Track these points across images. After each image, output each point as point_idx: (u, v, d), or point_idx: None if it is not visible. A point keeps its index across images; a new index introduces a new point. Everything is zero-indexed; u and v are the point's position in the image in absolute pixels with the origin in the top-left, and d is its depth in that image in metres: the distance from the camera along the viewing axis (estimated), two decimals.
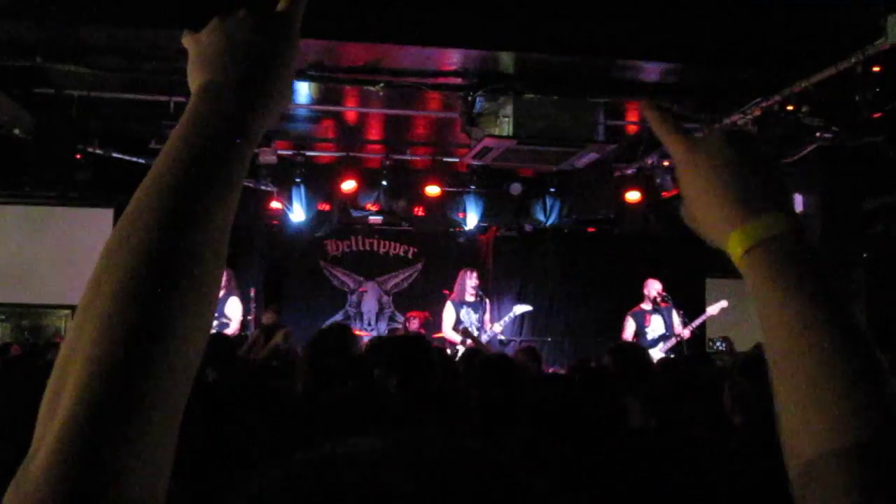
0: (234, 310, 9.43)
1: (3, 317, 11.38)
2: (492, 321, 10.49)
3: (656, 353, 9.62)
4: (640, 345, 9.49)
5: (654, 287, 10.08)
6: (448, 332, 10.05)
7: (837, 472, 0.77)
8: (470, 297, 10.13)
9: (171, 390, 0.71)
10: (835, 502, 0.76)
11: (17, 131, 8.85)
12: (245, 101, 0.87)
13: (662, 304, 10.01)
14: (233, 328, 9.26)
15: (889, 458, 0.76)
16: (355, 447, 0.63)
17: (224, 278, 9.36)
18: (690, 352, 9.46)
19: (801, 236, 0.89)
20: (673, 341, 9.74)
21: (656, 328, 9.99)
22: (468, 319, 10.05)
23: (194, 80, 0.91)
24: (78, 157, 8.71)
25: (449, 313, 10.11)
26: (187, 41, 0.94)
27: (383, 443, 0.63)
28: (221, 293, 8.98)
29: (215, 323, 8.78)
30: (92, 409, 0.68)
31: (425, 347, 3.97)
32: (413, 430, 0.69)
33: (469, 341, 9.56)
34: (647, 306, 10.06)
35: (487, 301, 10.49)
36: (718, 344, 10.53)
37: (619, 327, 10.21)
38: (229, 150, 0.83)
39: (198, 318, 0.75)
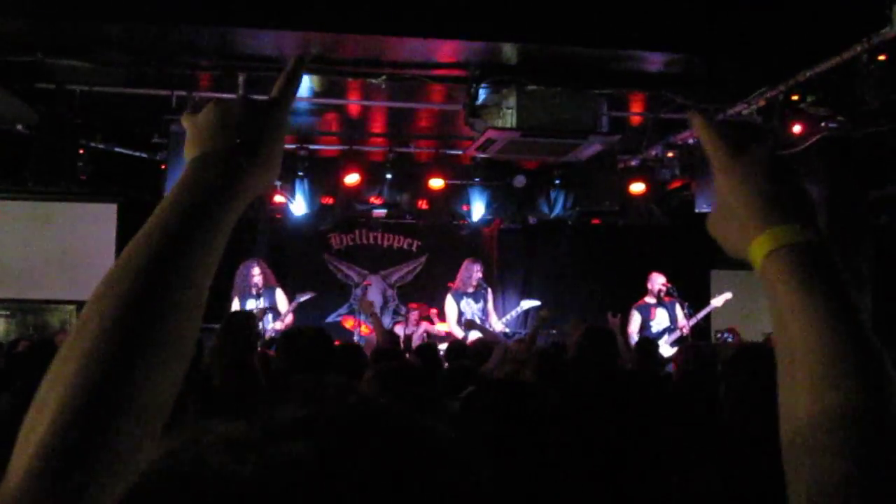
0: (283, 301, 9.88)
1: (7, 313, 11.40)
2: (496, 311, 10.47)
3: (662, 346, 9.65)
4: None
5: (657, 280, 10.10)
6: (453, 326, 10.04)
7: (823, 429, 0.83)
8: (471, 288, 10.11)
9: (138, 428, 0.77)
10: (820, 460, 0.82)
11: (19, 127, 8.85)
12: (231, 170, 0.96)
13: (666, 298, 10.02)
14: (287, 320, 9.71)
15: (872, 419, 0.82)
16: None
17: (262, 276, 9.59)
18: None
19: (822, 248, 0.93)
20: (677, 334, 9.75)
21: (661, 321, 10.01)
22: (469, 310, 10.04)
23: (188, 153, 1.00)
24: (80, 151, 8.71)
25: (451, 307, 10.10)
26: (185, 120, 1.03)
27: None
28: (260, 287, 9.42)
29: (267, 314, 9.56)
30: (63, 440, 0.73)
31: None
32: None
33: (474, 333, 9.53)
34: (651, 300, 10.08)
35: (489, 291, 10.47)
36: (725, 336, 10.50)
37: (625, 320, 10.21)
38: (212, 215, 0.91)
39: (171, 363, 0.82)
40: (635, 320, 10.11)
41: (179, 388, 0.83)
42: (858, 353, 0.86)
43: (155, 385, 0.78)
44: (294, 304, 9.87)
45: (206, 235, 0.89)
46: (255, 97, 1.03)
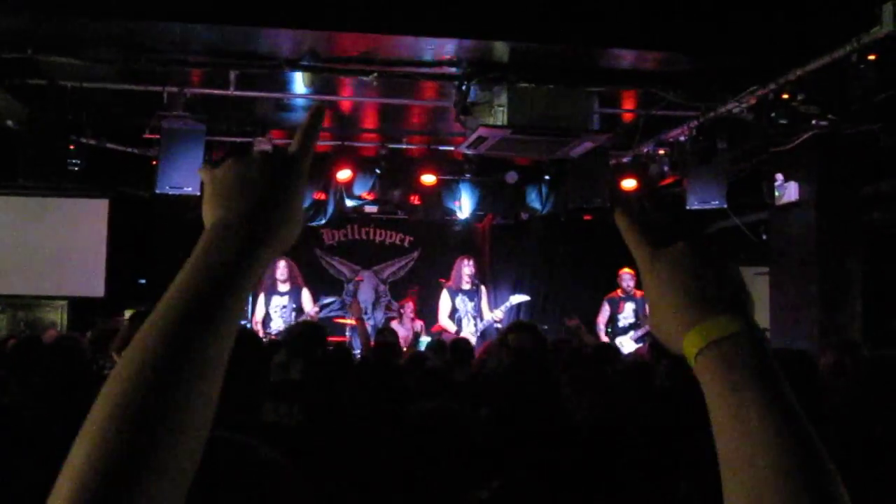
0: (308, 301, 10.24)
1: None
2: (490, 308, 10.51)
3: (627, 341, 9.88)
4: (612, 331, 10.21)
5: (625, 277, 10.32)
6: (444, 320, 10.08)
7: None
8: (466, 285, 10.16)
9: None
10: None
11: (10, 122, 8.83)
12: (250, 236, 0.94)
13: (636, 293, 10.21)
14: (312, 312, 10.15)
15: None
16: None
17: (287, 270, 9.83)
18: None
19: (753, 338, 0.89)
20: (644, 330, 9.89)
21: (627, 316, 10.31)
22: (464, 307, 10.08)
23: (207, 214, 0.99)
24: (71, 147, 8.68)
25: (445, 302, 10.15)
26: (203, 173, 1.03)
27: None
28: (288, 286, 10.07)
29: (292, 313, 9.98)
30: None
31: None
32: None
33: (464, 330, 9.65)
34: (621, 293, 10.31)
35: (483, 288, 10.51)
36: None
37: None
38: (233, 285, 0.90)
39: (188, 433, 0.80)
40: (604, 312, 10.52)
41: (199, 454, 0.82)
42: (802, 465, 0.81)
43: (167, 455, 0.78)
44: (318, 305, 10.16)
45: (226, 307, 0.88)
46: (274, 152, 1.03)
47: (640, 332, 9.99)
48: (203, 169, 1.03)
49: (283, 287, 9.94)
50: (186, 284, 0.89)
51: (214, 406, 0.84)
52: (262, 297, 9.97)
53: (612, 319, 10.40)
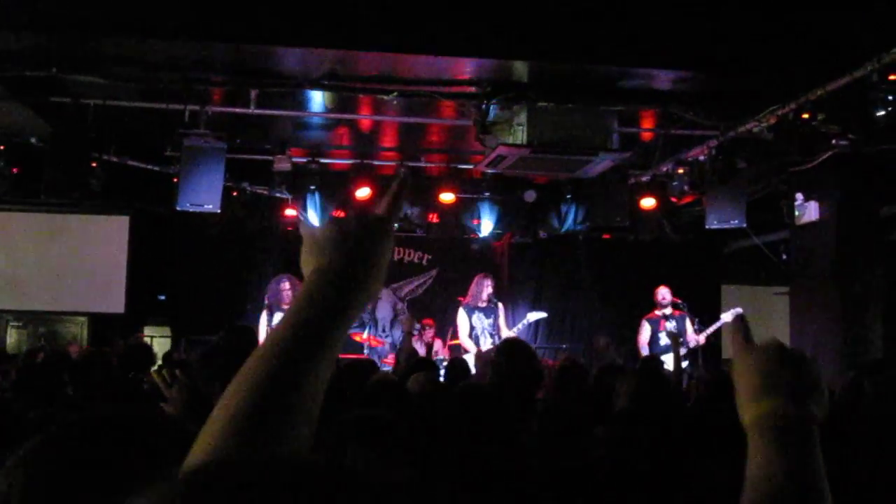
0: None
1: (20, 323, 11.46)
2: (508, 326, 10.48)
3: (669, 360, 9.68)
4: (653, 351, 9.64)
5: (663, 294, 10.14)
6: (465, 340, 10.03)
7: None
8: (482, 304, 10.09)
9: None
10: None
11: (33, 140, 8.92)
12: (347, 282, 1.09)
13: (676, 312, 10.04)
14: None
15: None
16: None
17: (292, 291, 9.90)
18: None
19: (793, 422, 1.16)
20: (685, 349, 9.76)
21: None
22: (480, 325, 10.04)
23: (308, 263, 1.13)
24: (94, 164, 8.75)
25: (462, 320, 10.10)
26: (304, 231, 1.17)
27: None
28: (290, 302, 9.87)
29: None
30: None
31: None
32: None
33: (482, 347, 9.61)
34: (660, 312, 10.13)
35: (500, 305, 10.46)
36: None
37: (635, 332, 10.31)
38: (332, 319, 1.04)
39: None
40: (645, 331, 10.21)
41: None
42: None
43: None
44: None
45: (322, 346, 1.02)
46: (366, 215, 1.17)
47: (682, 351, 9.82)
48: (303, 226, 1.18)
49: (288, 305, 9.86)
50: (293, 319, 1.03)
51: (313, 426, 0.98)
52: (263, 316, 9.58)
53: (653, 340, 10.17)
